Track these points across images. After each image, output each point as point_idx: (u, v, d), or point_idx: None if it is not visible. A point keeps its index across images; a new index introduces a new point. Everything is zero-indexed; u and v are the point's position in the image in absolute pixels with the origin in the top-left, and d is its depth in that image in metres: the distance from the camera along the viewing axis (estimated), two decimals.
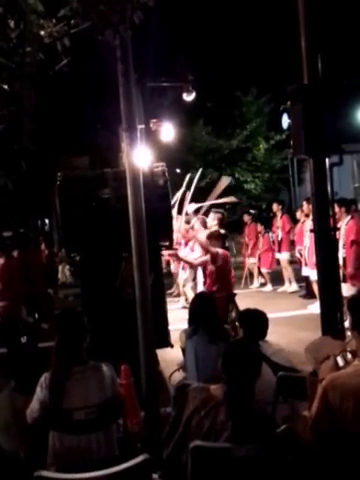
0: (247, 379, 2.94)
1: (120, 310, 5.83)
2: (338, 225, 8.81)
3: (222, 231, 7.56)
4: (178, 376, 4.85)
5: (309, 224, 9.48)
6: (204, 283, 7.85)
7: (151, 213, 5.22)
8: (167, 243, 6.90)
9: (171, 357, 6.43)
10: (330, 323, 5.13)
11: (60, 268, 17.36)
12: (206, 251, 7.22)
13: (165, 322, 6.31)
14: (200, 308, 4.78)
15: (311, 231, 5.34)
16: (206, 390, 3.00)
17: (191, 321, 4.80)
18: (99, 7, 3.57)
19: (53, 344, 3.69)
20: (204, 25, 25.13)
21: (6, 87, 3.59)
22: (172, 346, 6.25)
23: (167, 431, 3.09)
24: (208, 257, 7.39)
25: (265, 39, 24.99)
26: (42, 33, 3.73)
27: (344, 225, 8.78)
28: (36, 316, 9.02)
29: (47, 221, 26.78)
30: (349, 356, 3.37)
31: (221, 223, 8.28)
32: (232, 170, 25.63)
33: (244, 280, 14.22)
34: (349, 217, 8.90)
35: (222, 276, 7.09)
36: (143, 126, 7.64)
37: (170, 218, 6.79)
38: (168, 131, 12.41)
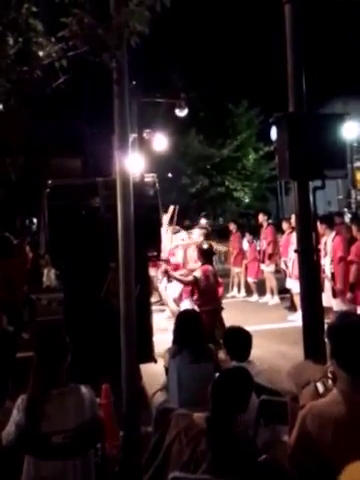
0: (234, 410, 2.93)
1: (104, 322, 5.71)
2: (323, 240, 8.99)
3: (207, 246, 7.55)
4: (161, 396, 4.81)
5: (294, 236, 9.56)
6: (191, 294, 7.86)
7: (140, 223, 5.16)
8: (155, 253, 6.91)
9: (154, 371, 6.30)
10: (312, 337, 5.20)
11: (45, 271, 17.18)
12: (186, 283, 7.24)
13: (149, 335, 6.24)
14: (185, 327, 4.74)
15: (295, 251, 5.44)
16: (189, 417, 2.98)
17: (175, 340, 4.74)
18: (97, 31, 3.63)
19: (32, 355, 3.46)
20: (199, 39, 25.45)
21: (1, 106, 3.61)
22: (156, 361, 6.15)
23: (147, 457, 3.05)
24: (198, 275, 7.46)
25: (257, 54, 25.48)
26: (40, 53, 3.77)
27: (330, 241, 8.87)
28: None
29: (35, 220, 26.64)
30: (329, 382, 3.42)
31: (207, 237, 8.31)
32: (222, 178, 25.96)
33: (231, 288, 14.35)
34: (334, 233, 8.99)
35: (207, 291, 7.09)
36: (136, 135, 7.66)
37: (159, 228, 6.78)
38: (160, 141, 12.54)
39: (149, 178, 6.81)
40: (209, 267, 7.23)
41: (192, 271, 7.78)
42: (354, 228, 8.97)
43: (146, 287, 6.27)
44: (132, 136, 8.51)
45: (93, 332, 5.87)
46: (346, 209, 22.97)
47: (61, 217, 6.32)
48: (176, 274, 8.22)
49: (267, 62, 22.94)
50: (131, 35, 3.80)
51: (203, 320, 6.31)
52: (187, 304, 7.71)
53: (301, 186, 4.86)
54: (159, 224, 6.94)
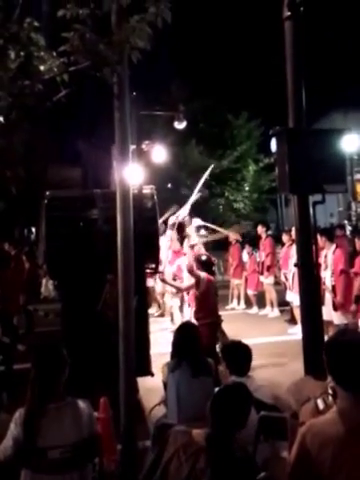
0: (233, 427, 2.92)
1: (100, 335, 5.67)
2: (323, 253, 8.99)
3: (205, 257, 7.51)
4: (159, 411, 4.77)
5: (294, 248, 9.56)
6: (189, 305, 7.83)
7: (138, 235, 5.13)
8: (153, 265, 6.86)
9: (151, 385, 6.25)
10: (312, 352, 5.18)
11: (44, 282, 17.17)
12: (190, 273, 7.17)
13: (147, 349, 6.16)
14: (183, 340, 4.72)
15: (295, 265, 5.43)
16: (188, 434, 2.94)
17: (174, 354, 4.73)
18: (99, 47, 3.64)
19: (29, 366, 3.47)
20: (199, 50, 25.68)
21: (1, 119, 3.62)
22: (152, 375, 6.11)
23: (145, 474, 3.02)
24: (194, 282, 7.40)
25: (257, 66, 25.67)
26: (42, 68, 3.78)
27: (330, 254, 8.85)
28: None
29: (34, 230, 26.66)
30: (330, 399, 3.40)
31: (205, 245, 8.22)
32: (222, 189, 25.99)
33: (230, 300, 14.33)
34: (334, 246, 8.98)
35: (206, 302, 7.01)
36: (134, 147, 7.66)
37: (157, 241, 6.70)
38: (159, 152, 12.60)
39: (147, 190, 6.75)
40: (211, 277, 7.18)
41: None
42: (358, 241, 8.97)
43: (143, 299, 6.20)
44: (131, 147, 8.52)
45: (90, 345, 5.80)
46: (346, 221, 22.97)
47: (59, 228, 6.27)
48: (175, 283, 8.17)
49: (267, 73, 23.07)
50: (132, 50, 3.83)
51: (203, 333, 6.33)
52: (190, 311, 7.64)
53: (301, 200, 4.87)
54: (157, 236, 6.86)
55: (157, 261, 6.79)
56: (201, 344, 4.88)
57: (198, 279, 6.98)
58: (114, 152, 7.54)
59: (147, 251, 6.11)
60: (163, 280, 8.57)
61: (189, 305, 8.34)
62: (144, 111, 6.93)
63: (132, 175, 4.73)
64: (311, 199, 4.98)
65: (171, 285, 8.20)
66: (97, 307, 5.93)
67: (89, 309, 5.96)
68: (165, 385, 4.70)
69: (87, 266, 6.03)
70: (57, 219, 6.35)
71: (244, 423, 3.03)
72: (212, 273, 7.41)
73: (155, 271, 7.18)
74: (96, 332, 5.81)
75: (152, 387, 6.15)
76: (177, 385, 4.47)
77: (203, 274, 7.04)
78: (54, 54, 4.02)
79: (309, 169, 4.61)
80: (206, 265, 7.26)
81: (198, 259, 7.35)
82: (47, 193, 6.63)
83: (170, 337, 5.13)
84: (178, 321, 10.02)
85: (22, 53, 3.98)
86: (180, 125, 14.96)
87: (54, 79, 4.08)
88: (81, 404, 3.43)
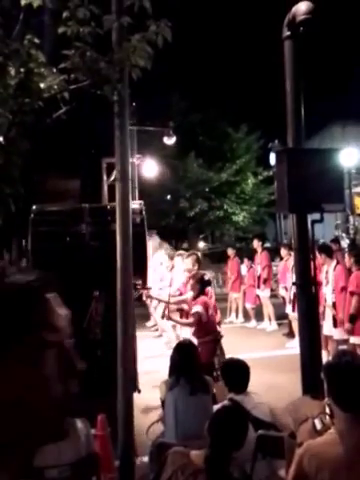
0: (231, 448, 2.92)
1: (86, 352, 5.58)
2: (323, 269, 9.00)
3: (202, 275, 7.50)
4: (157, 429, 4.74)
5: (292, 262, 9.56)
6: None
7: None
8: (140, 282, 6.73)
9: (140, 401, 6.00)
10: (310, 369, 5.15)
11: None
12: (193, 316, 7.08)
13: (133, 365, 5.83)
14: (181, 358, 4.70)
15: (293, 284, 5.43)
16: (186, 456, 2.95)
17: (172, 371, 4.72)
18: (100, 64, 3.66)
19: None
20: (199, 63, 25.79)
21: (1, 139, 3.62)
22: (139, 391, 6.00)
23: None
24: (185, 297, 7.41)
25: (257, 79, 25.77)
26: (42, 85, 3.80)
27: (331, 270, 8.87)
28: None
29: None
30: (327, 418, 3.39)
31: (198, 263, 8.09)
32: (221, 201, 25.99)
33: (228, 313, 14.32)
34: (335, 262, 8.98)
35: (208, 321, 6.98)
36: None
37: (145, 256, 6.56)
38: (151, 166, 12.68)
39: (136, 205, 6.61)
40: (205, 298, 7.11)
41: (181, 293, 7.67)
42: (349, 259, 8.96)
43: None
44: (130, 161, 8.51)
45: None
46: (344, 234, 22.97)
47: (44, 243, 6.08)
48: (178, 319, 8.05)
49: (267, 86, 23.17)
50: (133, 68, 3.85)
51: (204, 351, 6.31)
52: (187, 331, 7.58)
53: (300, 219, 4.86)
54: (145, 252, 6.67)
55: (145, 277, 6.68)
56: (199, 362, 4.87)
57: (197, 317, 6.92)
58: (103, 166, 7.52)
59: (135, 267, 6.05)
60: (149, 296, 8.52)
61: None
62: (133, 127, 6.87)
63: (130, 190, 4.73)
64: (310, 217, 4.98)
65: (176, 321, 8.09)
66: (83, 324, 5.76)
67: (75, 326, 5.84)
68: (163, 403, 4.68)
69: (73, 282, 5.94)
70: (43, 234, 6.16)
71: (242, 444, 3.02)
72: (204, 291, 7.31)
73: (143, 287, 7.05)
74: (83, 349, 5.70)
75: (140, 403, 5.96)
76: (175, 403, 4.46)
77: (196, 306, 6.97)
78: (54, 70, 4.04)
79: (308, 188, 4.61)
80: (203, 284, 7.25)
81: (195, 277, 7.32)
82: (34, 207, 6.49)
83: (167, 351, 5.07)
84: (171, 336, 9.97)
85: (22, 69, 3.99)
86: (170, 140, 15.21)
87: (54, 96, 4.10)
88: (79, 424, 3.40)
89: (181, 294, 7.96)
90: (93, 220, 6.18)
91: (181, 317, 7.90)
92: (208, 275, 8.07)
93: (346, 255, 9.57)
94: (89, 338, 5.62)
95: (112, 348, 5.49)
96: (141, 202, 6.76)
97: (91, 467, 3.45)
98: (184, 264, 8.27)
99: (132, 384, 5.32)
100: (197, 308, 6.94)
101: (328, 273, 8.85)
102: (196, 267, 7.64)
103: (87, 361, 5.43)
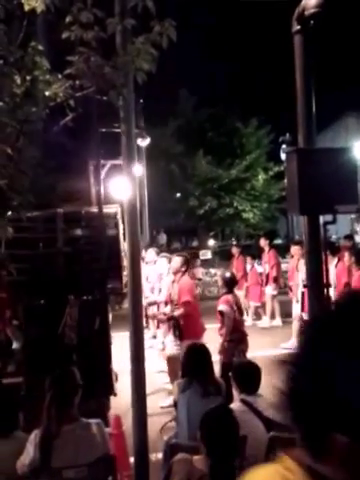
0: (229, 451, 2.94)
1: (63, 356, 5.50)
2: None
3: (229, 274, 7.55)
4: (170, 429, 4.78)
5: (302, 261, 9.51)
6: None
7: (100, 255, 5.38)
8: (117, 285, 6.60)
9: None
10: None
11: None
12: (221, 315, 7.05)
13: (108, 368, 5.97)
14: (193, 360, 4.74)
15: (305, 286, 5.37)
16: (189, 462, 3.00)
17: (184, 373, 4.78)
18: (104, 70, 3.65)
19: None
20: (207, 58, 25.58)
21: (9, 150, 3.62)
22: (115, 394, 5.93)
23: None
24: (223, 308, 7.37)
25: (267, 73, 25.45)
26: (47, 93, 3.79)
27: (333, 267, 8.85)
28: None
29: None
30: None
31: (187, 264, 8.00)
32: (231, 199, 25.76)
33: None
34: (336, 259, 8.96)
35: (233, 319, 7.00)
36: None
37: (120, 260, 6.53)
38: (138, 169, 12.71)
39: (111, 209, 6.68)
40: (229, 296, 7.14)
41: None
42: (349, 258, 8.96)
43: (105, 320, 6.03)
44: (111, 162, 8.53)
45: (52, 367, 5.71)
46: (359, 229, 22.74)
47: (18, 250, 5.98)
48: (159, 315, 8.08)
49: (277, 79, 22.95)
50: (137, 71, 3.83)
51: (226, 350, 6.61)
52: (170, 339, 7.46)
53: (311, 220, 4.75)
54: (120, 256, 6.59)
55: (121, 281, 6.59)
56: (212, 364, 4.88)
57: (226, 315, 6.97)
58: (91, 168, 7.63)
59: (110, 271, 6.04)
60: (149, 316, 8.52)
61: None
62: (102, 129, 6.78)
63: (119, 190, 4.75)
64: (322, 218, 4.90)
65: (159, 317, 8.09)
66: (58, 329, 5.75)
67: (50, 331, 5.79)
68: (176, 404, 4.77)
69: (47, 288, 5.93)
70: (16, 240, 5.95)
71: (239, 450, 3.06)
72: (232, 291, 7.36)
73: (119, 292, 7.03)
74: (58, 354, 5.60)
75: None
76: (187, 404, 4.52)
77: (220, 305, 7.04)
78: (59, 77, 4.03)
79: (319, 189, 4.47)
80: (229, 284, 7.32)
81: (223, 278, 7.38)
82: (9, 213, 6.52)
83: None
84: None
85: (28, 77, 3.99)
86: (143, 142, 15.29)
87: (61, 103, 4.11)
88: (94, 425, 3.62)
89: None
90: (66, 226, 6.24)
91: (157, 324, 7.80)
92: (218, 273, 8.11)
93: (346, 254, 9.52)
94: (64, 343, 5.66)
95: (87, 352, 5.60)
96: (117, 205, 6.75)
97: (107, 467, 3.65)
98: (172, 265, 8.12)
99: (111, 387, 5.66)
100: (221, 307, 7.01)
101: (329, 271, 8.85)
102: (184, 268, 7.51)
103: (63, 366, 5.46)
